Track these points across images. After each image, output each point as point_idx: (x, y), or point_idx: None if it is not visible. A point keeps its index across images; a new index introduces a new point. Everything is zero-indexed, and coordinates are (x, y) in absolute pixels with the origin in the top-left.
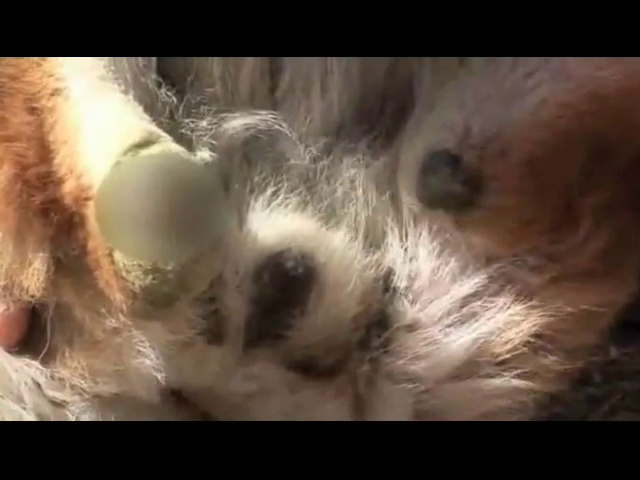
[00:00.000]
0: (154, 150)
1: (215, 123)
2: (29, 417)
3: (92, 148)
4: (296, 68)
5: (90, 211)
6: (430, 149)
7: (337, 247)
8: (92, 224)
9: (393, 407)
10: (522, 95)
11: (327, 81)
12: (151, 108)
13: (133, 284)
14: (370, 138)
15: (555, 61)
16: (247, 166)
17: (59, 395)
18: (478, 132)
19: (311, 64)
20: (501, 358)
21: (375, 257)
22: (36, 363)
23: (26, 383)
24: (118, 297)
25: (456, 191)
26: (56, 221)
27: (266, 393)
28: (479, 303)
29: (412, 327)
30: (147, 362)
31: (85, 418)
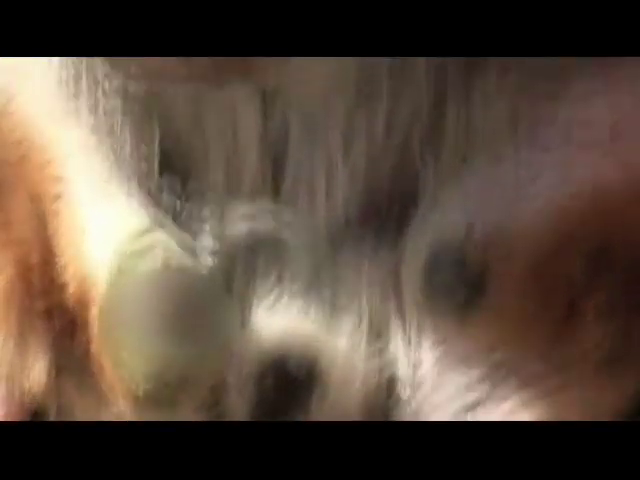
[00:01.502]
0: (157, 254)
1: (217, 225)
2: None
3: (95, 252)
4: (299, 169)
5: (93, 315)
6: (433, 249)
7: (340, 348)
8: (95, 327)
9: None
10: (525, 196)
11: (331, 181)
12: (154, 211)
13: (136, 387)
14: (375, 238)
15: (559, 161)
16: (250, 267)
17: None
18: (481, 232)
19: (315, 164)
20: None
21: (378, 348)
22: None
23: None
24: (121, 399)
25: (459, 291)
26: (59, 324)
27: None
28: (482, 391)
29: (415, 415)
30: None
31: None
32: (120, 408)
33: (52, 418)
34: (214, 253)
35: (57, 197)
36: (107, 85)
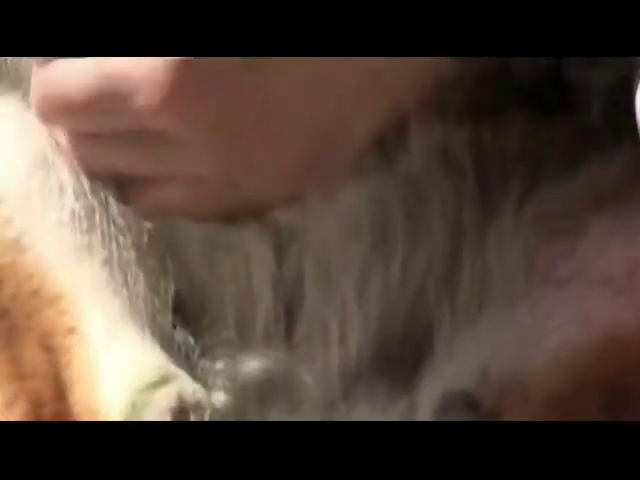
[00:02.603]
0: (170, 390)
1: (230, 365)
2: None
3: (108, 387)
4: (313, 314)
5: None
6: (448, 391)
7: None
8: None
9: None
10: (541, 338)
11: (345, 328)
12: (167, 348)
13: None
14: (388, 383)
15: (573, 301)
16: (262, 408)
17: None
18: (496, 375)
19: (329, 311)
20: None
21: None
22: None
23: None
24: None
25: None
26: None
27: None
28: None
29: None
30: None
31: None
32: None
33: None
34: (227, 390)
35: (69, 332)
36: (121, 223)
